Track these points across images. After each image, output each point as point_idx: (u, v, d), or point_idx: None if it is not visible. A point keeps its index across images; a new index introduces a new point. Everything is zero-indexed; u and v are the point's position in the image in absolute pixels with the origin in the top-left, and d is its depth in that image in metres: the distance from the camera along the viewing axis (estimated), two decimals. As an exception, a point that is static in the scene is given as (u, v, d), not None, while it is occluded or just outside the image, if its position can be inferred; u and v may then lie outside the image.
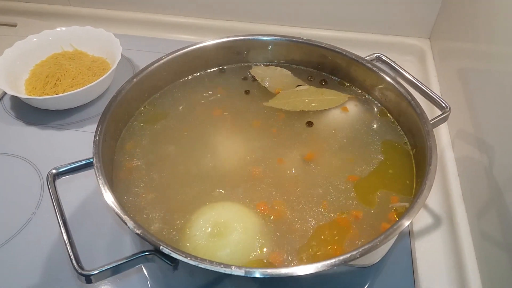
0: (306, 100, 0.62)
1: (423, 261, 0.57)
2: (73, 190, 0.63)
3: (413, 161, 0.54)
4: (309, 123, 0.60)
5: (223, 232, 0.46)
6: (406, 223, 0.42)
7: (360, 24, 0.94)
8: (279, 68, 0.67)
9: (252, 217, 0.49)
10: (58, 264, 0.57)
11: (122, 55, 0.81)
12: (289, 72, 0.67)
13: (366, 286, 0.55)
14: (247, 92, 0.64)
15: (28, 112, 0.79)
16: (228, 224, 0.47)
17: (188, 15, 0.99)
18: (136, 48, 0.91)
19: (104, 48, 0.86)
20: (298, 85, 0.65)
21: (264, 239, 0.47)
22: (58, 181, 0.48)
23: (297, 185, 0.52)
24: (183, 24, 1.00)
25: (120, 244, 0.60)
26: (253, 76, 0.66)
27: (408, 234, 0.61)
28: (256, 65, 0.67)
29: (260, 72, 0.67)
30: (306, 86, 0.65)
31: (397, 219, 0.46)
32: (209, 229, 0.47)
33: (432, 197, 0.65)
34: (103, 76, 0.77)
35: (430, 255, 0.58)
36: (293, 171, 0.54)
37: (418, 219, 0.62)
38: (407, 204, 0.49)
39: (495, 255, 0.52)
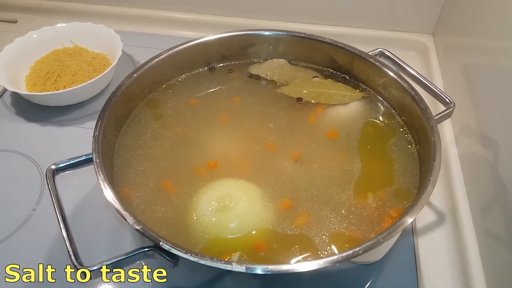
0: (319, 92, 0.62)
1: (426, 259, 0.57)
2: (74, 186, 0.63)
3: (417, 157, 0.54)
4: (299, 99, 0.61)
5: (229, 205, 0.47)
6: (409, 220, 0.41)
7: (363, 20, 0.93)
8: (275, 59, 0.67)
9: (251, 185, 0.50)
10: (58, 261, 0.57)
11: (122, 51, 0.80)
12: (284, 61, 0.67)
13: (369, 283, 0.54)
14: (249, 84, 0.64)
15: (29, 109, 0.79)
16: (232, 196, 0.48)
17: (189, 11, 0.99)
18: (136, 44, 0.90)
19: (105, 44, 0.85)
20: (314, 77, 0.65)
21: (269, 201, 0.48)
22: (58, 177, 0.48)
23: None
24: (184, 20, 0.99)
25: (120, 240, 0.59)
26: (256, 75, 0.66)
27: (412, 231, 0.60)
28: (254, 63, 0.67)
29: (260, 70, 0.66)
30: (322, 79, 0.64)
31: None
32: (215, 205, 0.47)
33: (436, 194, 0.64)
34: (104, 72, 0.76)
35: (434, 253, 0.57)
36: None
37: (422, 216, 0.62)
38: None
39: (500, 252, 0.51)
